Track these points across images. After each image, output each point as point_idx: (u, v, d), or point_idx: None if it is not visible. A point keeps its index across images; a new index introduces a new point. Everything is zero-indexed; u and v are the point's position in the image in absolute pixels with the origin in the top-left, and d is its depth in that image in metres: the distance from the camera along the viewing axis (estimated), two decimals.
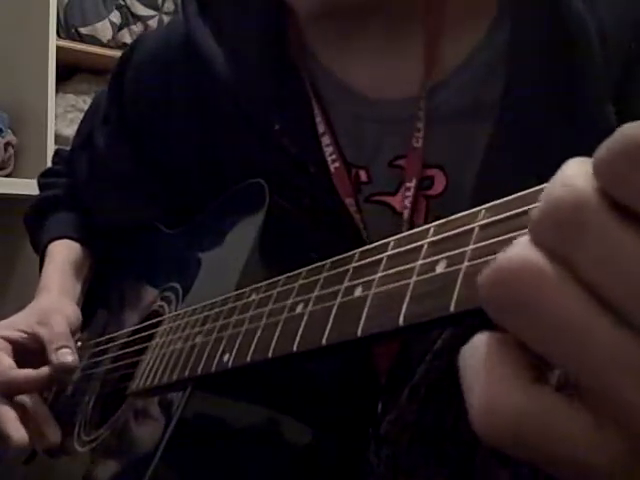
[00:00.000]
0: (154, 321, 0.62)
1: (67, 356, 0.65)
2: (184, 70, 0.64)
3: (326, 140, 0.57)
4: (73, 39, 1.94)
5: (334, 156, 0.57)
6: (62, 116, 1.92)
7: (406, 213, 0.54)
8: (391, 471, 0.52)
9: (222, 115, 0.61)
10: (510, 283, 0.22)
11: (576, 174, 0.21)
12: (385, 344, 0.53)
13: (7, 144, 1.77)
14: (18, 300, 0.79)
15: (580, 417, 0.22)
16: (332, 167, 0.57)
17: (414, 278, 0.30)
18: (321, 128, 0.58)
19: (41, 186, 0.89)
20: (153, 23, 2.08)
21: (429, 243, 0.30)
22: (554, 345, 0.22)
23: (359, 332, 0.32)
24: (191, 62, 0.63)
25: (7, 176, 1.78)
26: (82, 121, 0.86)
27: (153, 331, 0.60)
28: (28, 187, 1.35)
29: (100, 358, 0.71)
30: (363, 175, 0.57)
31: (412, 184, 0.54)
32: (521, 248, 0.22)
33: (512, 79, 0.51)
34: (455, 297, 0.27)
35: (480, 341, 0.23)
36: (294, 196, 0.57)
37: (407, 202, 0.54)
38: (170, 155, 0.68)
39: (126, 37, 2.03)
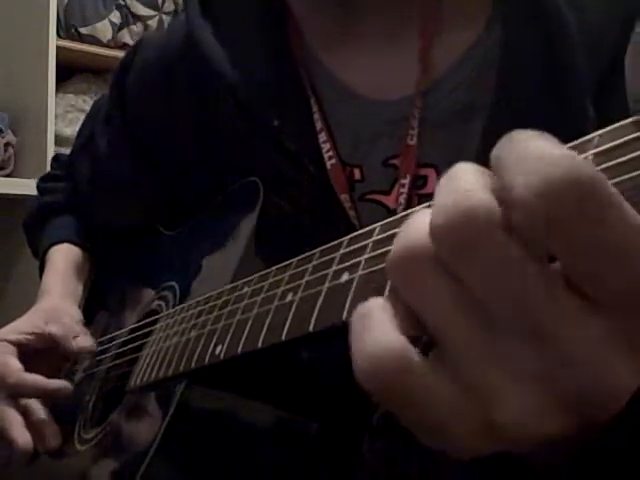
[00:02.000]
0: (151, 319, 0.63)
1: (85, 342, 0.67)
2: (186, 70, 0.64)
3: (323, 137, 0.58)
4: (73, 39, 1.94)
5: (331, 153, 0.57)
6: (62, 116, 1.92)
7: (399, 211, 0.54)
8: (386, 463, 0.52)
9: (223, 114, 0.61)
10: (409, 264, 0.25)
11: (474, 184, 0.25)
12: None
13: (7, 144, 1.77)
14: (18, 300, 0.80)
15: (444, 382, 0.24)
16: (328, 164, 0.57)
17: None
18: (319, 125, 0.58)
19: (40, 191, 0.89)
20: (153, 23, 2.08)
21: None
22: (438, 328, 0.25)
23: (344, 316, 0.32)
24: (193, 62, 0.63)
25: (7, 176, 1.78)
26: (82, 125, 0.86)
27: (151, 329, 0.61)
28: (28, 187, 1.35)
29: (100, 358, 0.71)
30: (357, 173, 0.57)
31: (406, 181, 0.54)
32: (417, 234, 0.26)
33: (505, 78, 0.51)
34: None
35: (369, 303, 0.26)
36: (291, 194, 0.58)
37: (402, 199, 0.54)
38: (171, 155, 0.69)
39: (126, 37, 2.03)
